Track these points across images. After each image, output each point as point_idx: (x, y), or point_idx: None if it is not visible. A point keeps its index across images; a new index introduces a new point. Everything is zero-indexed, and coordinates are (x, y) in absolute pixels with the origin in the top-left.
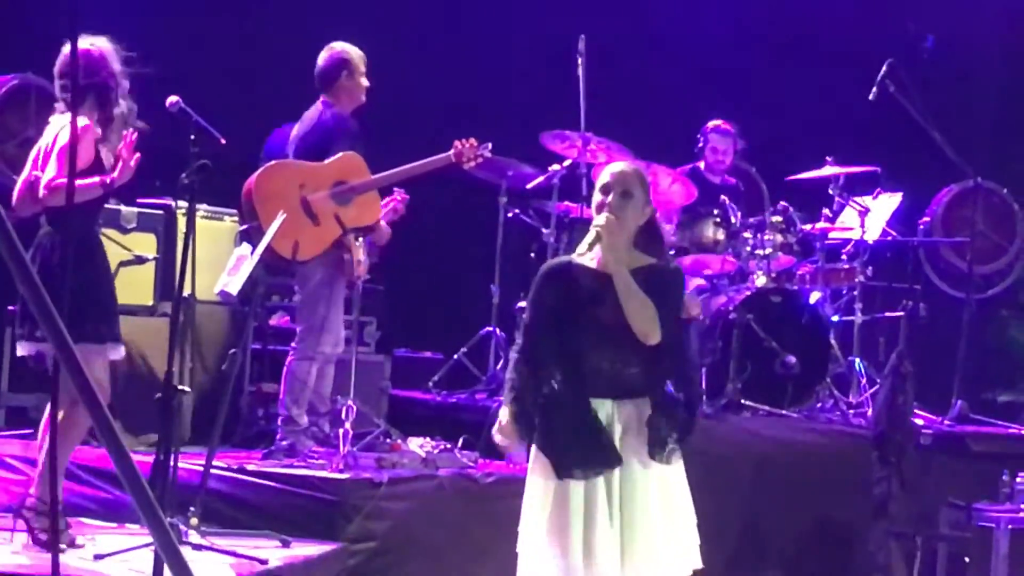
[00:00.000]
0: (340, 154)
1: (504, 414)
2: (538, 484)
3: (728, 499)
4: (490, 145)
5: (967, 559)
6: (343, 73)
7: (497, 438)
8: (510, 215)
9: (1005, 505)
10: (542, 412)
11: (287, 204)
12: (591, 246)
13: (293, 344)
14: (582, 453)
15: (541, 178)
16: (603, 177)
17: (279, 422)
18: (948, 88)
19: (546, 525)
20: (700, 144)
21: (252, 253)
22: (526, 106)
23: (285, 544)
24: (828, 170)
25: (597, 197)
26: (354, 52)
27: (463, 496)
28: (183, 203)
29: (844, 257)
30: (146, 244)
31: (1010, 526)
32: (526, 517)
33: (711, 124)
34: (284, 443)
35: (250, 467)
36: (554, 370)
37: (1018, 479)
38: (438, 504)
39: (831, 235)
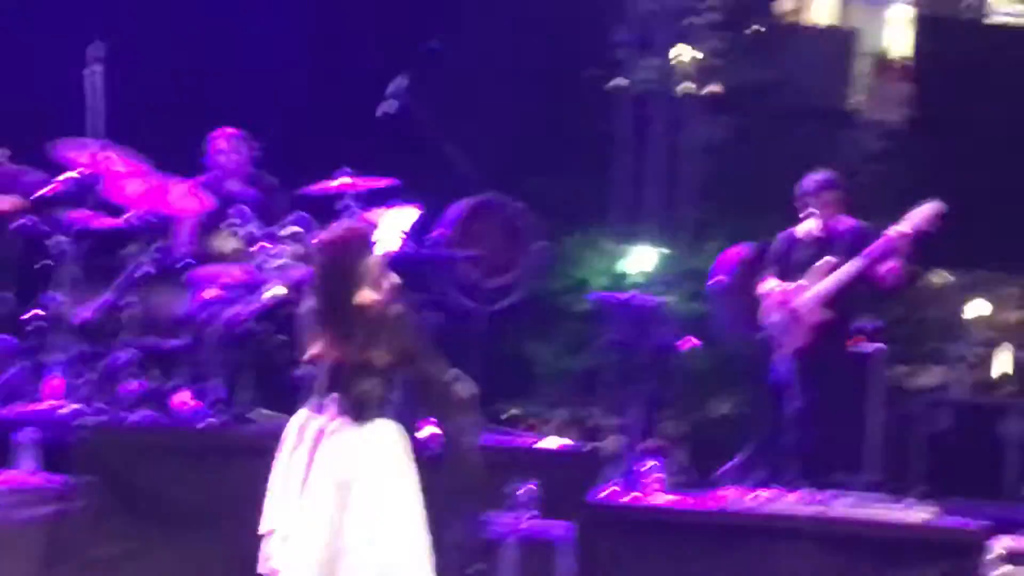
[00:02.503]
0: None
1: None
2: None
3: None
4: (9, 152)
5: (478, 569)
6: None
7: None
8: (21, 223)
9: (512, 515)
10: None
11: None
12: None
13: None
14: None
15: (53, 185)
16: None
17: None
18: (467, 101)
19: None
20: (209, 153)
21: None
22: (38, 113)
23: None
24: (343, 181)
25: None
26: None
27: None
28: None
29: None
30: None
31: (517, 536)
32: None
33: (220, 131)
34: None
35: None
36: None
37: (523, 489)
38: None
39: None
